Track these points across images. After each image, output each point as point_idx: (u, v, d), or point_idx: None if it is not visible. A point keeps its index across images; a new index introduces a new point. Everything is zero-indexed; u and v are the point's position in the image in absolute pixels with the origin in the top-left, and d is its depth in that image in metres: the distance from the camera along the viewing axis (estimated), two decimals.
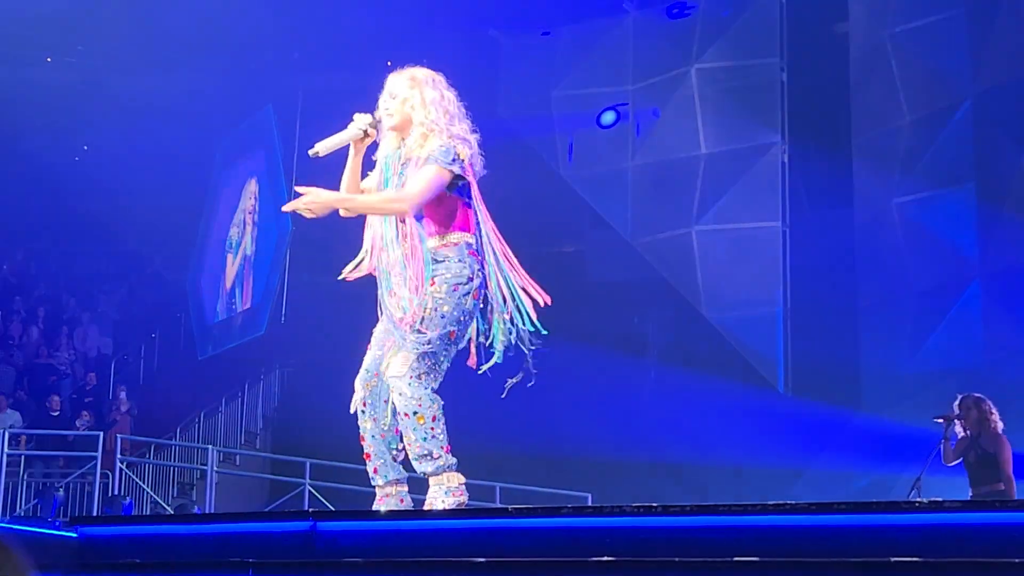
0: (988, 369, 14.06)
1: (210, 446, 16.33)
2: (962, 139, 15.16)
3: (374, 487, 5.91)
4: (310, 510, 11.56)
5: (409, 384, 5.61)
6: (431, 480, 5.68)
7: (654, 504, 4.93)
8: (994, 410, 9.64)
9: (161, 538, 5.78)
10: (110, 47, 19.92)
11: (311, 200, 5.65)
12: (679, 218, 17.26)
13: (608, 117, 17.95)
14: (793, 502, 4.80)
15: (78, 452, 15.72)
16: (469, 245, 5.63)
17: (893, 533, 4.55)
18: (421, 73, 5.80)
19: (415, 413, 5.61)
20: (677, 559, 4.70)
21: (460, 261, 5.60)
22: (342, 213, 5.83)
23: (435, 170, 5.48)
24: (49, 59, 21.06)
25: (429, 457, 5.60)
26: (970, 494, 9.54)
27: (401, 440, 5.74)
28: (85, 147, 22.75)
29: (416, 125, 5.66)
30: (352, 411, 6.04)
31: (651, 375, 17.12)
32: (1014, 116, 14.59)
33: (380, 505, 5.84)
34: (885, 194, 15.92)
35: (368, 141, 5.77)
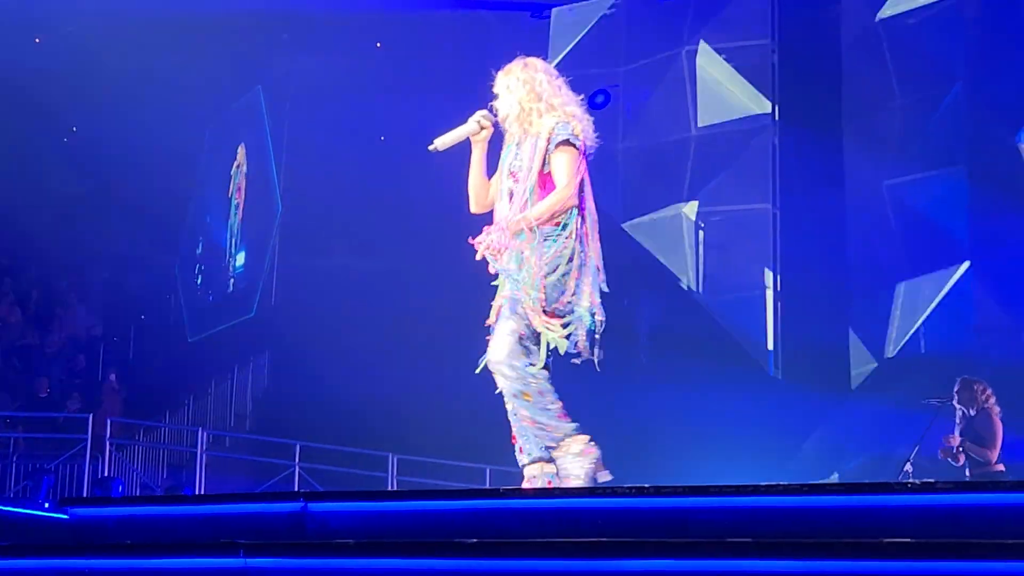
0: (979, 352, 14.08)
1: (200, 428, 16.31)
2: (953, 122, 15.16)
3: (520, 468, 5.91)
4: (301, 491, 11.58)
5: (510, 366, 5.70)
6: (554, 454, 5.74)
7: (647, 486, 4.93)
8: (988, 392, 9.65)
9: (152, 519, 5.77)
10: (99, 28, 19.81)
11: (497, 239, 5.80)
12: (669, 200, 17.22)
13: (598, 99, 17.91)
14: (785, 484, 4.80)
15: (68, 435, 15.69)
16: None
17: (886, 514, 4.56)
18: (528, 60, 6.01)
19: (521, 392, 5.70)
20: (671, 540, 4.70)
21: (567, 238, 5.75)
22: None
23: (569, 151, 5.72)
24: (38, 40, 20.96)
25: (543, 429, 5.71)
26: (968, 475, 9.56)
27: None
28: (74, 128, 22.66)
29: (527, 110, 5.88)
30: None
31: (641, 358, 17.11)
32: (1005, 99, 14.59)
33: (526, 486, 5.81)
34: (876, 176, 15.91)
35: (485, 135, 6.01)
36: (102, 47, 19.97)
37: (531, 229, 5.79)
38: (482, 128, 5.98)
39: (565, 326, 5.81)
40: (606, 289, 6.05)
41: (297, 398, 17.64)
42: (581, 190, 5.89)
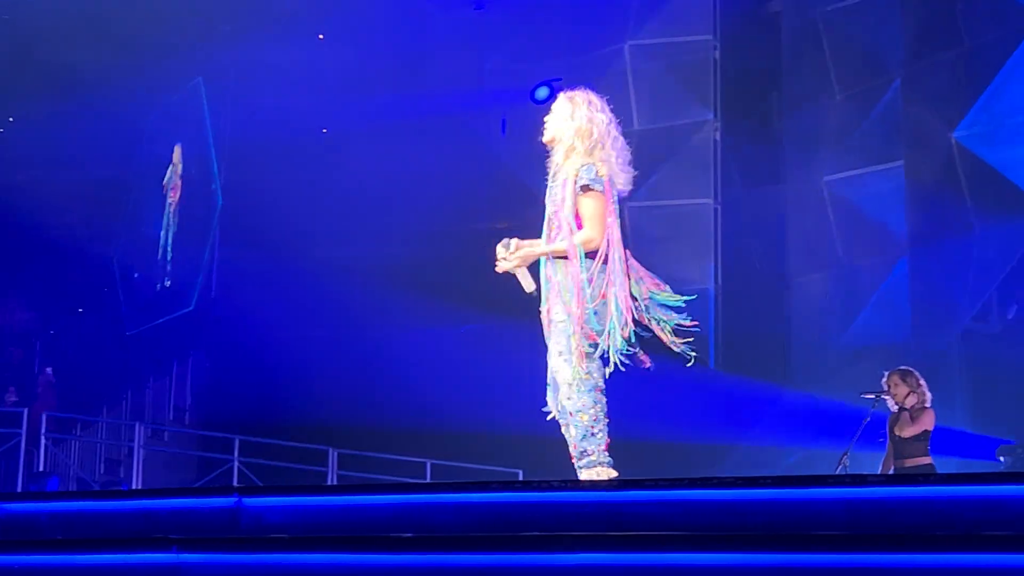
0: (915, 344, 14.23)
1: (137, 423, 16.17)
2: (892, 118, 15.31)
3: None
4: (235, 486, 11.48)
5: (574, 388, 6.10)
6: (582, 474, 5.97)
7: (580, 479, 4.93)
8: (923, 383, 9.72)
9: (83, 515, 5.71)
10: (36, 16, 19.57)
11: (520, 257, 6.27)
12: None
13: (542, 92, 17.89)
14: (719, 476, 4.82)
15: (2, 428, 15.49)
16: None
17: (818, 507, 4.59)
18: (578, 96, 6.38)
19: (578, 411, 6.10)
20: (604, 533, 4.71)
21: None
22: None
23: (593, 196, 6.18)
24: None
25: (584, 453, 6.02)
26: (892, 467, 9.63)
27: None
28: (11, 119, 22.37)
29: (562, 142, 6.33)
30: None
31: None
32: (944, 95, 14.74)
33: None
34: (815, 171, 16.04)
35: (521, 264, 6.29)
36: (38, 36, 19.73)
37: (553, 257, 6.25)
38: (512, 260, 6.31)
39: (594, 345, 6.16)
40: (671, 299, 6.53)
41: (237, 392, 17.52)
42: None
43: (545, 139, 6.43)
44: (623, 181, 6.41)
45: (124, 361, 20.22)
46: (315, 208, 18.49)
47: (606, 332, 6.16)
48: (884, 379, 9.81)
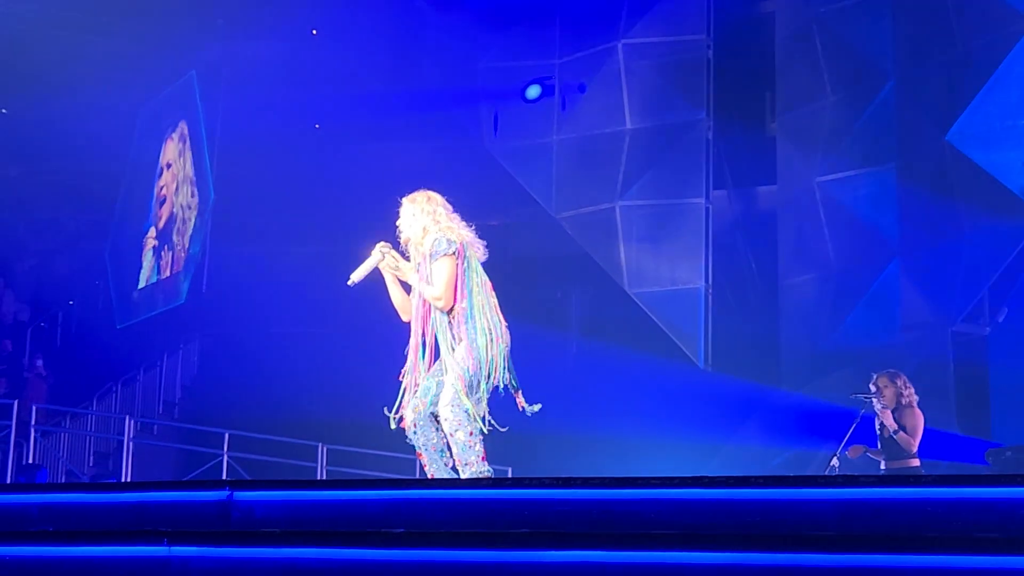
0: (906, 347, 14.25)
1: (127, 416, 16.14)
2: (884, 120, 15.31)
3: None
4: (227, 480, 11.46)
5: (452, 411, 6.71)
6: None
7: (574, 477, 4.94)
8: (909, 385, 9.74)
9: (74, 507, 5.71)
10: (29, 9, 19.53)
11: (390, 251, 7.01)
12: (603, 193, 17.27)
13: (533, 91, 17.90)
14: (711, 476, 4.83)
15: None
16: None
17: (809, 507, 4.60)
18: (417, 196, 7.12)
19: (456, 431, 6.69)
20: (597, 532, 4.72)
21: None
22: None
23: (444, 261, 6.82)
24: None
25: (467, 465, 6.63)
26: (882, 467, 9.66)
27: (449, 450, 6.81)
28: (3, 110, 22.34)
29: (416, 234, 7.01)
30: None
31: (573, 349, 17.16)
32: (936, 98, 14.76)
33: None
34: (807, 173, 16.05)
35: (390, 261, 7.01)
36: (33, 29, 19.70)
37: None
38: (384, 255, 6.99)
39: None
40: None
41: (227, 386, 17.51)
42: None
43: (402, 242, 7.04)
44: (480, 251, 7.04)
45: (114, 354, 20.17)
46: (307, 203, 18.48)
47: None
48: (873, 381, 9.84)
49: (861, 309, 15.17)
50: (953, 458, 12.64)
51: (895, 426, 9.55)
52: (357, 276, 7.00)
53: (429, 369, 6.94)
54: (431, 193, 7.16)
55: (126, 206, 22.93)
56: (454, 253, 6.85)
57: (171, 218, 21.53)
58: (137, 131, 22.71)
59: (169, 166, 21.91)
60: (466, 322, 6.82)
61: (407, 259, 7.03)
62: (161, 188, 21.92)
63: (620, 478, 4.96)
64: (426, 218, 7.01)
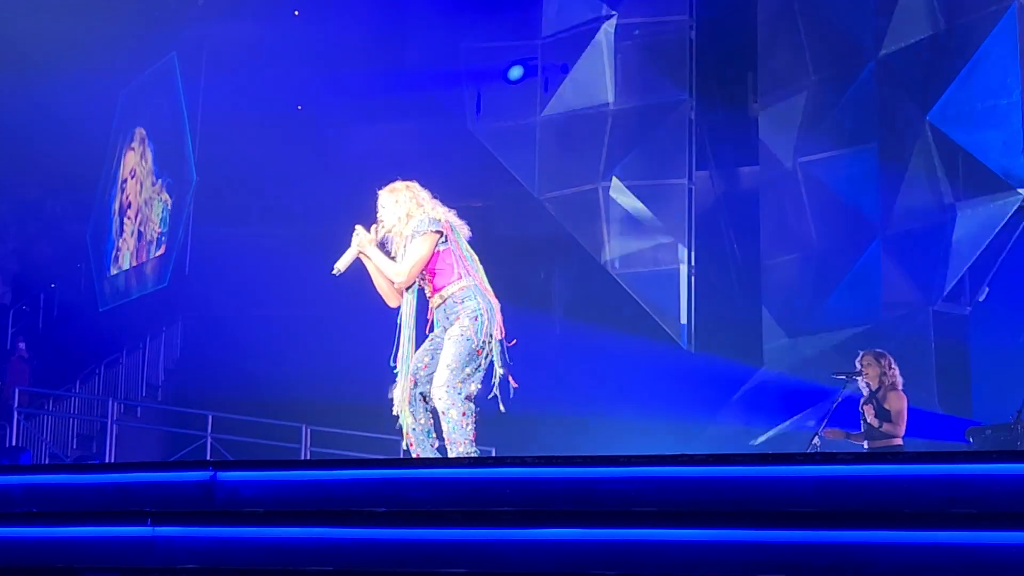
0: (887, 327, 14.30)
1: (110, 398, 16.13)
2: (866, 100, 15.33)
3: None
4: (210, 460, 11.47)
5: (447, 391, 6.77)
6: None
7: (556, 456, 4.96)
8: (894, 366, 9.77)
9: (58, 488, 5.70)
10: None
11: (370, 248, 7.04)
12: (586, 174, 17.28)
13: (516, 71, 17.88)
14: (691, 454, 4.86)
15: None
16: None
17: (789, 484, 4.63)
18: (396, 184, 7.17)
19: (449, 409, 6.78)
20: (578, 510, 4.74)
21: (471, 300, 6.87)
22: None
23: (423, 239, 6.85)
24: None
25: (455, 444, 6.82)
26: (865, 446, 9.69)
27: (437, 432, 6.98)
28: None
29: (402, 215, 7.02)
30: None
31: (556, 330, 17.18)
32: (917, 78, 14.78)
33: None
34: (789, 153, 16.07)
35: (367, 236, 7.02)
36: (10, 9, 19.60)
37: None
38: (360, 234, 7.03)
39: None
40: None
41: (210, 368, 17.49)
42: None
43: (388, 225, 7.05)
44: (465, 230, 7.12)
45: (97, 336, 20.15)
46: (289, 185, 18.45)
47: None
48: (858, 359, 9.86)
49: (843, 289, 15.22)
50: (934, 437, 12.70)
51: (877, 423, 9.58)
52: (342, 265, 7.03)
53: (417, 350, 6.95)
54: (409, 182, 7.21)
55: (107, 188, 22.87)
56: (438, 231, 6.88)
57: (138, 210, 21.51)
58: (118, 111, 22.63)
59: (134, 174, 21.86)
60: (465, 301, 6.84)
61: (388, 254, 7.03)
62: (127, 196, 21.90)
63: (602, 456, 4.99)
64: (409, 203, 7.04)
